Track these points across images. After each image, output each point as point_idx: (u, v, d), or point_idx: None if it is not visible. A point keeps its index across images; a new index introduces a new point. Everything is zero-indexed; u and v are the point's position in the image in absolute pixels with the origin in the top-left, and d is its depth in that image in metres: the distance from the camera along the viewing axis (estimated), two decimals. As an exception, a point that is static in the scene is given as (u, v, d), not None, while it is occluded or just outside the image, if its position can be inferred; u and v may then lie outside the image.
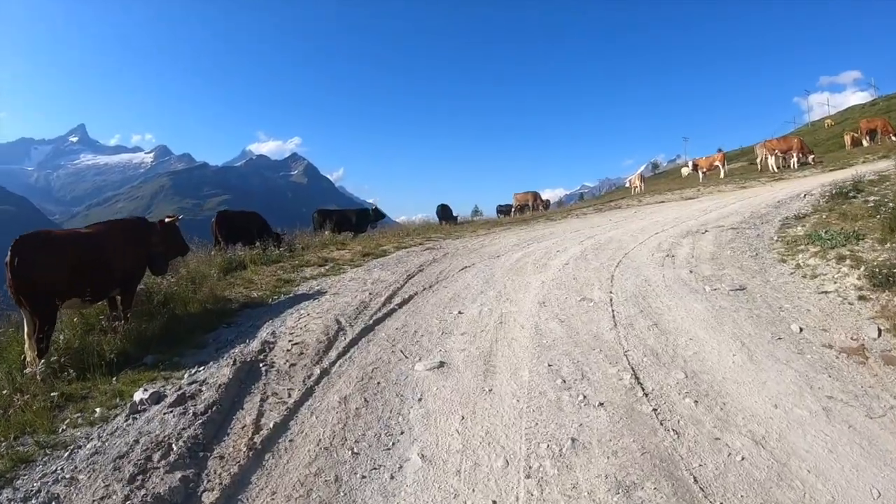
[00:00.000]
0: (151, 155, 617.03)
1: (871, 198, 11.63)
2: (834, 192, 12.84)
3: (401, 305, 8.07)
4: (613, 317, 6.71)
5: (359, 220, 20.22)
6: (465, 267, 10.58)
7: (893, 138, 30.56)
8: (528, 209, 31.62)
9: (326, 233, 18.33)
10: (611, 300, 7.40)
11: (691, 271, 8.61)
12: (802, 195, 15.06)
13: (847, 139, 34.62)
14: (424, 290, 8.94)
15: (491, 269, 10.29)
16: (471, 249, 12.95)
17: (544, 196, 37.13)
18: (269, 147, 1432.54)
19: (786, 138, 29.65)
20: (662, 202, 23.14)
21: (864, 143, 32.38)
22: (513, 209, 33.57)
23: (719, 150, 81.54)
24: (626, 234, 12.82)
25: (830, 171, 24.42)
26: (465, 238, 15.92)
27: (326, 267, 11.49)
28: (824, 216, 11.02)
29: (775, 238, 10.34)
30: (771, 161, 28.43)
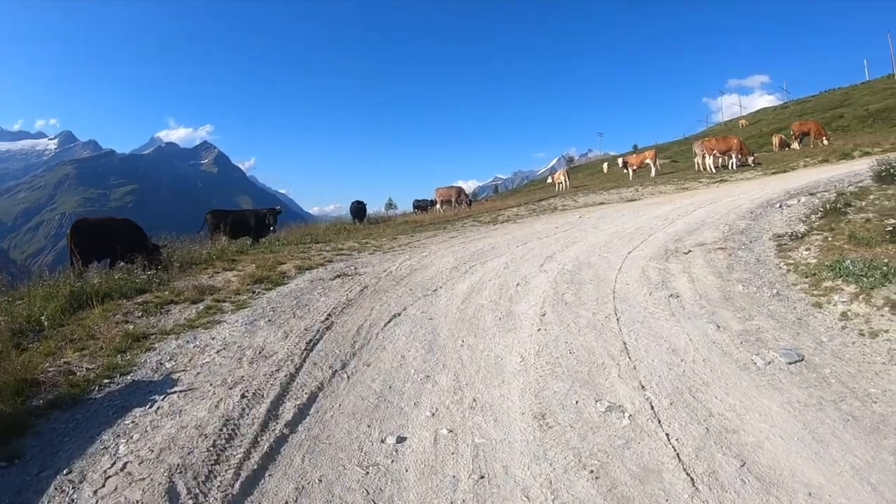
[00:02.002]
0: (55, 141, 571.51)
1: (866, 215, 9.74)
2: (828, 206, 10.83)
3: (294, 425, 4.60)
4: (678, 455, 3.76)
5: (258, 223, 16.64)
6: (395, 316, 7.28)
7: (826, 142, 29.83)
8: (452, 205, 28.82)
9: (223, 240, 14.98)
10: (651, 406, 4.45)
11: (718, 326, 6.13)
12: (778, 205, 13.03)
13: (775, 140, 33.86)
14: (334, 375, 5.55)
15: (431, 319, 7.13)
16: (396, 277, 9.64)
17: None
18: (179, 134, 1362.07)
19: (725, 138, 27.94)
20: (602, 204, 20.76)
21: (795, 145, 31.57)
22: (436, 205, 30.58)
23: (635, 147, 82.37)
24: (594, 254, 9.99)
25: (773, 173, 23.06)
26: (386, 252, 12.67)
27: (200, 307, 8.01)
28: (828, 237, 8.95)
29: (783, 266, 8.11)
30: (709, 161, 26.53)
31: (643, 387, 4.80)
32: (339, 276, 9.68)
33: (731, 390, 4.72)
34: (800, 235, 9.64)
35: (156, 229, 14.87)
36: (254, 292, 8.76)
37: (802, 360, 5.25)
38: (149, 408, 4.90)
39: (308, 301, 8.20)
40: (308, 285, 9.17)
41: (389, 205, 57.63)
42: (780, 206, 12.81)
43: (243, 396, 5.00)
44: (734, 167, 26.29)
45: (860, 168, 18.05)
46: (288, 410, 4.81)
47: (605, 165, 57.13)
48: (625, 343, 5.75)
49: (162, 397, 5.09)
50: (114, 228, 11.24)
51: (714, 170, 26.21)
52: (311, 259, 11.50)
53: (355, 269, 10.41)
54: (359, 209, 24.78)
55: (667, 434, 4.07)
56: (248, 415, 4.71)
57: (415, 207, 36.40)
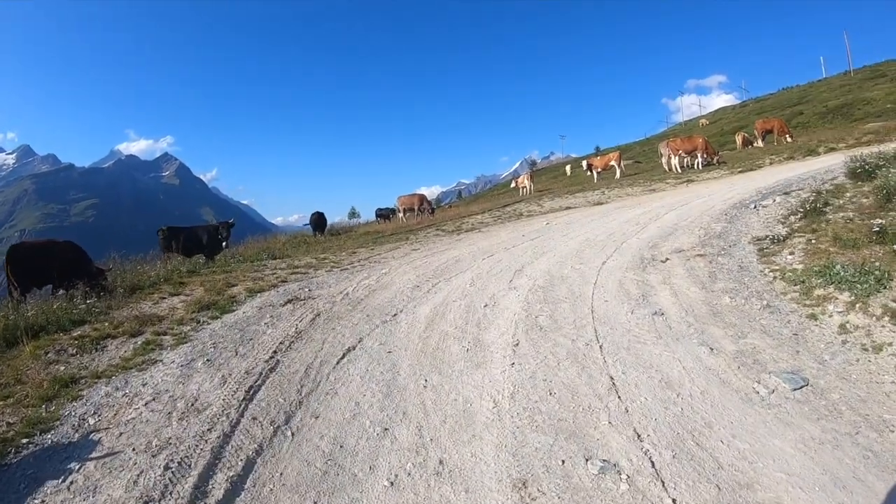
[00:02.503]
0: (13, 156, 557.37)
1: (846, 214, 9.40)
2: (807, 206, 10.42)
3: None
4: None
5: (210, 239, 15.64)
6: (349, 350, 6.36)
7: (789, 139, 29.86)
8: (415, 213, 28.06)
9: (179, 258, 14.35)
10: (651, 462, 3.74)
11: (711, 348, 5.54)
12: (753, 206, 12.60)
13: (738, 139, 33.89)
14: (276, 432, 4.63)
15: (390, 352, 6.24)
16: (353, 300, 8.74)
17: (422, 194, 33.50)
18: (139, 147, 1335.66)
19: (690, 138, 27.61)
20: (569, 208, 20.12)
21: (760, 143, 31.55)
22: (399, 213, 29.64)
23: (597, 149, 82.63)
24: (566, 266, 9.32)
25: (740, 172, 22.83)
26: (344, 269, 11.74)
27: (138, 341, 7.13)
28: (811, 240, 8.50)
29: (769, 273, 7.62)
30: (674, 161, 26.31)
31: (639, 436, 4.08)
32: (290, 301, 8.78)
33: (737, 431, 4.10)
34: (781, 238, 9.18)
35: (117, 244, 14.18)
36: (198, 322, 7.91)
37: (807, 384, 4.76)
38: (62, 482, 4.06)
39: (254, 334, 7.27)
40: (256, 313, 8.26)
41: (352, 214, 56.81)
42: (755, 207, 12.40)
43: (167, 468, 4.12)
44: (700, 167, 26.07)
45: (829, 164, 17.84)
46: (219, 485, 3.93)
47: (567, 168, 56.86)
48: (612, 378, 5.03)
49: (79, 466, 4.24)
50: (54, 252, 10.23)
51: (680, 170, 25.93)
52: (264, 279, 10.65)
53: (309, 290, 9.52)
54: (318, 221, 23.84)
55: (673, 500, 3.38)
56: (170, 493, 3.85)
57: (377, 216, 35.72)
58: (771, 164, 23.81)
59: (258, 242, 20.80)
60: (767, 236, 9.49)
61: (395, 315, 7.62)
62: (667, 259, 9.13)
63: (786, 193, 13.31)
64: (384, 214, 34.55)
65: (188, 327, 7.70)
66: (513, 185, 41.72)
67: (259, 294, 9.43)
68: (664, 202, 16.64)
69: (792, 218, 10.41)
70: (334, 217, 28.11)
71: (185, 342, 7.04)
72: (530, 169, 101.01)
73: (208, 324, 7.83)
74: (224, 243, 15.77)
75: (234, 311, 8.42)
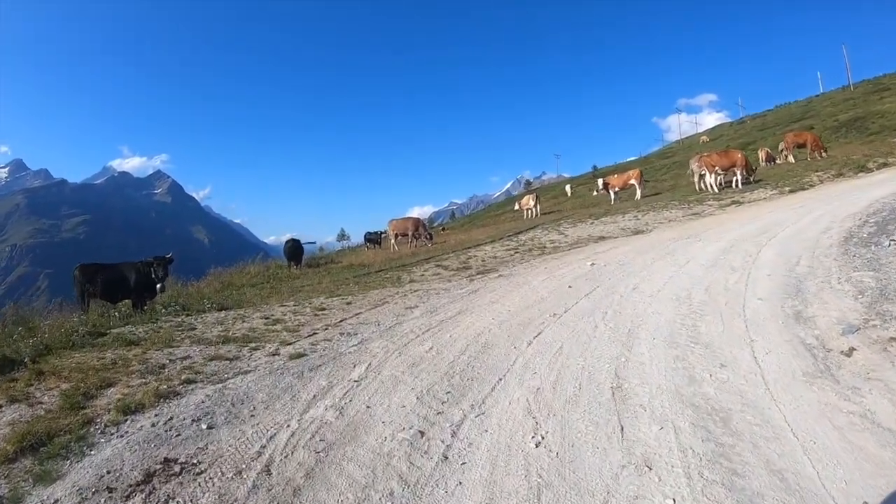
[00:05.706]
0: (6, 170, 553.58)
1: None
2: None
3: None
4: None
5: (140, 279, 11.24)
6: None
7: (824, 154, 25.77)
8: (408, 239, 23.69)
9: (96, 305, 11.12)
10: None
11: None
12: (886, 243, 8.65)
13: (761, 154, 29.84)
14: None
15: None
16: (277, 497, 3.58)
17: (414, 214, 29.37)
18: (132, 164, 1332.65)
19: (727, 153, 22.71)
20: (604, 239, 15.58)
21: (790, 158, 27.44)
22: (391, 239, 24.98)
23: (594, 168, 78.83)
24: (697, 373, 4.99)
25: (790, 192, 18.81)
26: (297, 352, 6.86)
27: None
28: None
29: None
30: (710, 179, 22.16)
31: None
32: (152, 478, 3.89)
33: None
34: None
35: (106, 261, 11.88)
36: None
37: None
38: None
39: None
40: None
41: (342, 236, 53.70)
42: (891, 245, 8.43)
43: None
44: (739, 185, 21.86)
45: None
46: None
47: (567, 188, 53.27)
48: None
49: None
50: None
51: (717, 189, 21.78)
52: (164, 372, 6.01)
53: (209, 427, 4.69)
54: (292, 251, 19.35)
55: None
56: None
57: (366, 240, 31.72)
58: (821, 182, 19.90)
59: (221, 275, 16.79)
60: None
61: None
62: (851, 351, 4.98)
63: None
64: (373, 239, 30.55)
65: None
66: (517, 206, 37.28)
67: (129, 420, 4.82)
68: (737, 233, 12.24)
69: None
70: (324, 238, 24.06)
71: None
72: (526, 188, 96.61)
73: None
74: (159, 285, 11.46)
75: (54, 481, 3.83)
